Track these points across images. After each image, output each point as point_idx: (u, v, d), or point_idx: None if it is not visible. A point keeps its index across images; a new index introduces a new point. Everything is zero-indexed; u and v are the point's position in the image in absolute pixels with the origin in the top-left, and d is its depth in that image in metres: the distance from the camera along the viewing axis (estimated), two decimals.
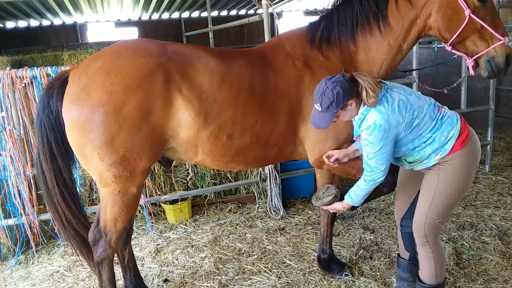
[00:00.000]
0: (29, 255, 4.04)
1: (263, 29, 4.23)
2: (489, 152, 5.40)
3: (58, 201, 2.70)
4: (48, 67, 3.73)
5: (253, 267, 3.55)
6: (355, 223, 4.23)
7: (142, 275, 3.37)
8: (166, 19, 12.25)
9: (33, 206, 3.93)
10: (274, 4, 10.55)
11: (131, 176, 2.52)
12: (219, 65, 2.61)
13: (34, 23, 10.90)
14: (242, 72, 2.66)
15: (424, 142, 2.36)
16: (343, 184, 5.04)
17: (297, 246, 3.87)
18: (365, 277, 3.28)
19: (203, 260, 3.73)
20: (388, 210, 4.44)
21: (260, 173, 4.63)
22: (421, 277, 2.60)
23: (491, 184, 4.99)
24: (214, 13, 11.94)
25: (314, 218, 4.43)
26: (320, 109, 2.30)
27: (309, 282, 3.27)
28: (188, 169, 4.80)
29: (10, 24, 10.77)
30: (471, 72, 2.64)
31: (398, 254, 2.96)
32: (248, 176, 4.91)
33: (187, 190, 4.72)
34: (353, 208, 2.61)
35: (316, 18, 2.95)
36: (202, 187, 4.86)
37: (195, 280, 3.43)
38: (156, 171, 4.65)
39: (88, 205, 4.39)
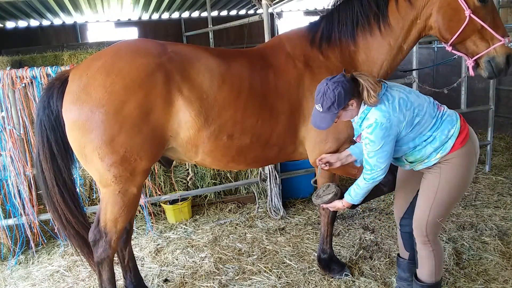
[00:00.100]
0: (29, 255, 4.04)
1: (263, 29, 4.22)
2: (489, 152, 5.40)
3: (57, 201, 2.70)
4: (48, 67, 3.73)
5: (253, 267, 3.55)
6: (355, 223, 4.23)
7: (142, 275, 3.37)
8: (166, 19, 12.24)
9: (33, 206, 3.93)
10: (274, 4, 10.55)
11: (131, 176, 2.52)
12: (220, 65, 2.61)
13: (34, 23, 10.88)
14: (243, 72, 2.66)
15: (424, 141, 2.36)
16: (343, 184, 5.04)
17: (297, 246, 3.87)
18: (365, 277, 3.28)
19: (203, 260, 3.73)
20: (388, 210, 4.44)
21: (260, 173, 4.63)
22: (419, 276, 2.60)
23: (491, 184, 4.99)
24: (214, 13, 11.93)
25: (314, 218, 4.43)
26: (321, 110, 2.29)
27: (309, 282, 3.27)
28: (188, 169, 4.80)
29: (10, 24, 10.75)
30: (471, 72, 2.64)
31: (398, 254, 2.96)
32: (248, 176, 4.91)
33: (187, 190, 4.72)
34: (353, 206, 2.61)
35: (316, 18, 2.95)
36: (202, 187, 4.86)
37: (195, 280, 3.43)
38: (156, 171, 4.65)
39: (88, 205, 4.39)
